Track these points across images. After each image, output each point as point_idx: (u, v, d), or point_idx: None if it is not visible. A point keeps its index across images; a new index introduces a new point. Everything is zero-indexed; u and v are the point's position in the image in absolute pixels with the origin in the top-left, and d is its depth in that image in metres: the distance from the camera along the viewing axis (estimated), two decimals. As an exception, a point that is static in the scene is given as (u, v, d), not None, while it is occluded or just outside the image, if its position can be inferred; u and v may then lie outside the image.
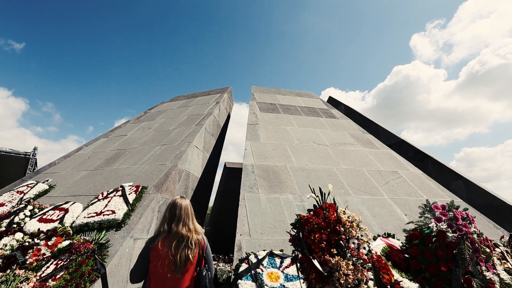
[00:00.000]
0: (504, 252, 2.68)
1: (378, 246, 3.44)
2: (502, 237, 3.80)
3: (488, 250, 2.15)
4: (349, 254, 2.00)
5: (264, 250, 3.15)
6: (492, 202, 5.48)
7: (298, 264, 2.04)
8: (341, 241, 2.03)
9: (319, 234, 2.05)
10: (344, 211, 2.22)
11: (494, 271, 2.07)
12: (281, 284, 2.77)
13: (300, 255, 2.05)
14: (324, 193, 2.40)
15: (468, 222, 2.18)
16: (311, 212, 2.31)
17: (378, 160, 5.69)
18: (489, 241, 2.29)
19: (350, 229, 2.08)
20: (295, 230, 2.19)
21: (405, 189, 4.84)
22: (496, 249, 2.50)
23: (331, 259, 1.94)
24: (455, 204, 2.39)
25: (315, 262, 1.92)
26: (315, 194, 2.43)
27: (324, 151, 5.71)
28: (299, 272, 2.06)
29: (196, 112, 7.55)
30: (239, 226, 3.55)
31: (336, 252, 1.99)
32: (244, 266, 2.96)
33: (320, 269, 1.89)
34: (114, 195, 4.28)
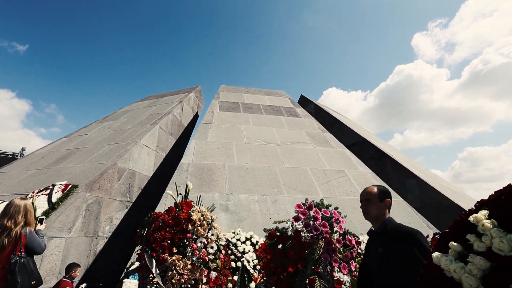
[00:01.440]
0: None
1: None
2: (427, 236, 3.69)
3: (345, 250, 2.06)
4: (190, 253, 1.92)
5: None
6: (441, 201, 5.35)
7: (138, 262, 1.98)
8: (185, 240, 1.95)
9: (164, 232, 1.98)
10: (199, 210, 2.15)
11: (346, 271, 1.98)
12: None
13: (139, 252, 1.98)
14: (189, 191, 2.33)
15: (330, 221, 2.09)
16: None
17: (327, 159, 5.59)
18: (353, 241, 2.20)
19: (199, 227, 2.01)
20: (145, 228, 2.12)
21: (345, 188, 4.74)
22: (361, 246, 2.39)
23: (168, 258, 1.87)
24: (322, 203, 2.29)
25: (149, 260, 1.85)
26: (177, 192, 2.36)
27: (272, 150, 5.63)
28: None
29: (157, 112, 7.53)
30: (150, 225, 3.49)
31: (177, 251, 1.92)
32: (136, 264, 2.90)
33: (152, 268, 1.82)
34: (42, 194, 4.26)
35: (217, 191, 4.23)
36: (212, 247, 2.00)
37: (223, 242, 2.32)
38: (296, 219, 2.11)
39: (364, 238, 2.59)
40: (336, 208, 2.27)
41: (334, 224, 2.08)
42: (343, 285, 1.91)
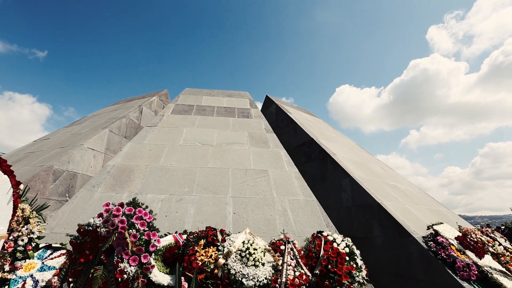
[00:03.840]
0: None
1: (164, 241, 3.61)
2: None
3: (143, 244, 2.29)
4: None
5: (46, 243, 3.40)
6: (367, 200, 5.40)
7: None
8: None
9: None
10: (22, 208, 2.44)
11: (135, 263, 2.20)
12: (30, 274, 3.01)
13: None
14: (25, 191, 2.61)
15: (130, 217, 2.32)
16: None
17: (257, 159, 5.77)
18: (154, 237, 2.42)
19: (14, 223, 2.30)
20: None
21: (258, 188, 4.90)
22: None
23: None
24: (135, 201, 2.51)
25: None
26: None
27: (203, 151, 5.86)
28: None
29: (115, 116, 7.92)
30: (49, 222, 3.83)
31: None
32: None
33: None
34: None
35: (128, 191, 4.52)
36: (22, 240, 2.28)
37: (35, 236, 2.59)
38: (100, 215, 2.36)
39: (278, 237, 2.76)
40: (146, 208, 2.49)
41: (136, 221, 2.31)
42: (125, 275, 2.13)
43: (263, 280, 3.06)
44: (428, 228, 4.71)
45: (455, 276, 3.86)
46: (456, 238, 4.53)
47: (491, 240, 5.09)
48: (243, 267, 3.10)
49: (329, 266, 3.24)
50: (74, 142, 6.43)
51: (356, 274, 3.23)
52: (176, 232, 3.63)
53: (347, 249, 3.51)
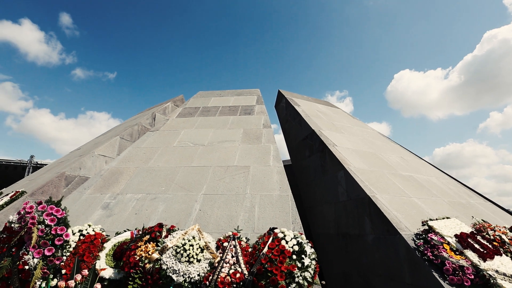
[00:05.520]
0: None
1: (121, 237, 3.80)
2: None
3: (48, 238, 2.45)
4: None
5: None
6: (359, 194, 4.87)
7: None
8: None
9: None
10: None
11: (39, 256, 2.37)
12: None
13: None
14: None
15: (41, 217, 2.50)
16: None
17: (243, 155, 5.68)
18: (61, 231, 2.55)
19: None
20: None
21: (233, 184, 4.82)
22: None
23: None
24: (51, 200, 2.67)
25: None
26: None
27: (193, 150, 6.00)
28: None
29: (132, 124, 8.63)
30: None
31: None
32: None
33: None
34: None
35: (111, 192, 4.88)
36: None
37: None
38: (18, 213, 2.61)
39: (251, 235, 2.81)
40: (58, 205, 2.66)
41: (46, 217, 2.49)
42: (26, 266, 2.32)
43: (194, 276, 3.01)
44: (423, 224, 4.04)
45: (441, 281, 3.24)
46: (456, 236, 3.78)
47: (520, 238, 4.11)
48: (175, 263, 3.10)
49: (267, 265, 3.03)
50: (91, 150, 7.20)
51: (297, 274, 2.94)
52: (136, 229, 3.80)
53: (296, 247, 3.22)
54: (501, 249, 3.88)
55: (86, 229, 3.77)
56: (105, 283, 3.11)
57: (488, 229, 4.14)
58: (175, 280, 2.98)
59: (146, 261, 3.12)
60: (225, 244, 3.37)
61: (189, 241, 3.27)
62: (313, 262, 3.17)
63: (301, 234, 3.50)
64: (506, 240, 3.98)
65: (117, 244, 3.67)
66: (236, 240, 3.41)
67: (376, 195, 4.68)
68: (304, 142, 7.29)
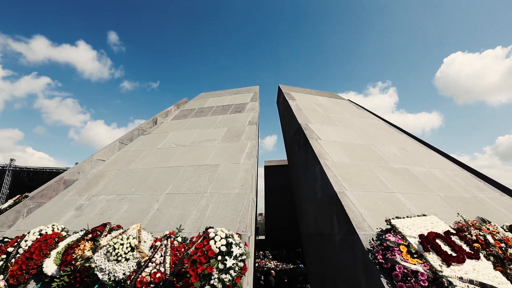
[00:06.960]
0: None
1: (75, 237, 3.98)
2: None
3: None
4: None
5: None
6: (329, 191, 4.49)
7: None
8: None
9: None
10: None
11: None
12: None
13: None
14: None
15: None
16: None
17: (217, 154, 5.61)
18: None
19: None
20: None
21: (197, 184, 4.78)
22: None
23: None
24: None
25: None
26: None
27: (173, 151, 6.08)
28: None
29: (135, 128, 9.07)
30: (22, 220, 4.78)
31: None
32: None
33: None
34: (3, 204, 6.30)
35: (88, 194, 5.16)
36: None
37: None
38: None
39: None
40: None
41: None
42: None
43: (119, 275, 3.03)
44: (387, 223, 3.57)
45: (387, 287, 2.83)
46: (421, 236, 3.27)
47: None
48: (104, 261, 3.15)
49: (187, 265, 2.93)
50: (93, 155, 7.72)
51: (214, 276, 2.80)
52: (84, 229, 3.96)
53: (224, 248, 3.08)
54: (483, 251, 3.28)
55: (46, 230, 4.04)
56: (46, 280, 3.29)
57: (472, 228, 3.52)
58: (101, 278, 3.03)
59: (79, 259, 3.24)
60: (158, 243, 3.34)
61: (121, 240, 3.30)
62: (240, 263, 2.99)
63: (239, 234, 3.34)
64: (491, 241, 3.35)
65: (70, 243, 3.86)
66: (168, 239, 3.36)
67: (345, 191, 4.28)
68: (293, 138, 6.98)
